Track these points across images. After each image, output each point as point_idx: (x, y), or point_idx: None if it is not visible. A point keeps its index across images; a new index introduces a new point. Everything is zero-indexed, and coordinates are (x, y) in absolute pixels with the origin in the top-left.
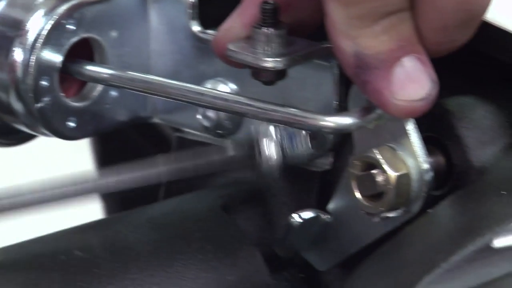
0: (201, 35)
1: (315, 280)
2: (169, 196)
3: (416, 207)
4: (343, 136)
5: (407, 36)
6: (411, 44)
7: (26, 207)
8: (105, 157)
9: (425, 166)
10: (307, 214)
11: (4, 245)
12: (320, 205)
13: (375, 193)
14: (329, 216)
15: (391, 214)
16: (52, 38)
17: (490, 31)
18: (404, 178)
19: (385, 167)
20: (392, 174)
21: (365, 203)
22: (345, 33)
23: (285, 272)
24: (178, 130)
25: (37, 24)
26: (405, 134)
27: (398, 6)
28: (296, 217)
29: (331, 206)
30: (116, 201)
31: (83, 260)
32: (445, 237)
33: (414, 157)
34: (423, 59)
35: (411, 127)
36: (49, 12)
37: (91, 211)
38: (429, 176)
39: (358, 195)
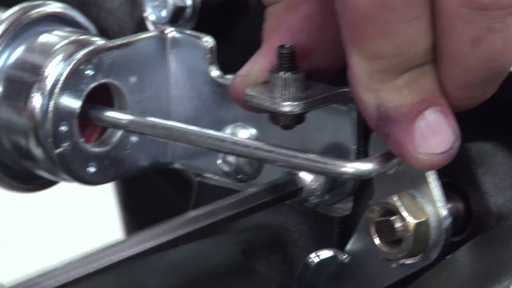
0: (220, 80)
1: None
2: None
3: (434, 254)
4: (364, 181)
5: (429, 89)
6: (433, 96)
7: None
8: (129, 199)
9: (444, 213)
10: (325, 254)
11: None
12: (340, 249)
13: (393, 239)
14: (347, 257)
15: (409, 261)
16: (71, 83)
17: (508, 76)
18: (423, 226)
19: (404, 214)
20: (411, 221)
21: (383, 248)
22: (368, 86)
23: None
24: (199, 174)
25: (56, 69)
26: (424, 180)
27: (421, 61)
28: (313, 256)
29: (349, 247)
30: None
31: None
32: (463, 284)
33: (433, 204)
34: (445, 111)
35: (431, 174)
36: (67, 58)
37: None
38: (447, 223)
39: (376, 240)
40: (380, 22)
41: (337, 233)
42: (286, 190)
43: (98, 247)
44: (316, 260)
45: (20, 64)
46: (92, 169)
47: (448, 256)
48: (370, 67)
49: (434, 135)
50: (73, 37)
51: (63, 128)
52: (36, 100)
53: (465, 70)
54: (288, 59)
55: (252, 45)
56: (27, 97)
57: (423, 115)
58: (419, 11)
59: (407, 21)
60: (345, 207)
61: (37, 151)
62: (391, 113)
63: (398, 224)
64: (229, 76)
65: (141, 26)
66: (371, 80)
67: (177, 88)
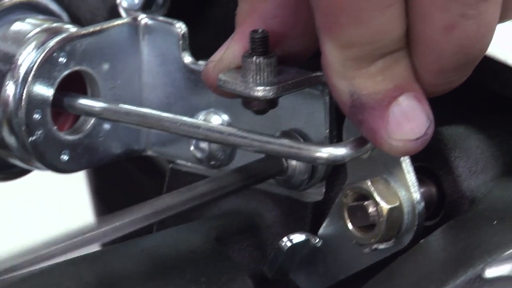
0: (193, 66)
1: None
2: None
3: (407, 239)
4: (336, 166)
5: (403, 75)
6: (407, 82)
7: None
8: (100, 188)
9: (417, 197)
10: (298, 238)
11: None
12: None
13: (366, 224)
14: (319, 241)
15: (381, 246)
16: (43, 71)
17: (481, 61)
18: (396, 211)
19: (378, 199)
20: (384, 206)
21: (356, 233)
22: (341, 74)
23: None
24: (172, 161)
25: (28, 57)
26: (398, 165)
27: (394, 47)
28: (286, 240)
29: (321, 231)
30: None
31: None
32: (437, 268)
33: (407, 188)
34: (419, 97)
35: (404, 159)
36: (40, 46)
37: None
38: (421, 207)
39: (349, 225)
40: (354, 10)
41: (310, 218)
42: (271, 169)
43: (70, 234)
44: (288, 244)
45: None
46: (65, 157)
47: (422, 241)
48: (343, 55)
49: (408, 121)
50: (46, 25)
51: (36, 116)
52: (9, 89)
53: (439, 56)
54: (261, 44)
55: (225, 31)
56: (0, 86)
57: (397, 101)
58: None
59: (381, 9)
60: (317, 192)
61: (10, 139)
62: (364, 100)
63: (371, 209)
64: (201, 62)
65: (113, 13)
66: (345, 68)
67: (150, 75)
